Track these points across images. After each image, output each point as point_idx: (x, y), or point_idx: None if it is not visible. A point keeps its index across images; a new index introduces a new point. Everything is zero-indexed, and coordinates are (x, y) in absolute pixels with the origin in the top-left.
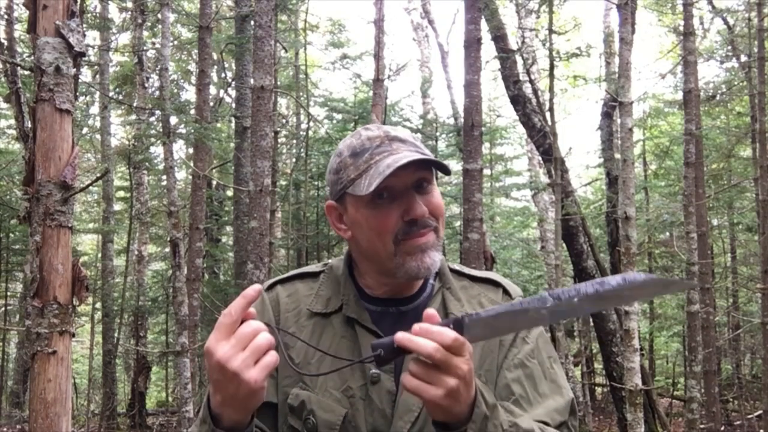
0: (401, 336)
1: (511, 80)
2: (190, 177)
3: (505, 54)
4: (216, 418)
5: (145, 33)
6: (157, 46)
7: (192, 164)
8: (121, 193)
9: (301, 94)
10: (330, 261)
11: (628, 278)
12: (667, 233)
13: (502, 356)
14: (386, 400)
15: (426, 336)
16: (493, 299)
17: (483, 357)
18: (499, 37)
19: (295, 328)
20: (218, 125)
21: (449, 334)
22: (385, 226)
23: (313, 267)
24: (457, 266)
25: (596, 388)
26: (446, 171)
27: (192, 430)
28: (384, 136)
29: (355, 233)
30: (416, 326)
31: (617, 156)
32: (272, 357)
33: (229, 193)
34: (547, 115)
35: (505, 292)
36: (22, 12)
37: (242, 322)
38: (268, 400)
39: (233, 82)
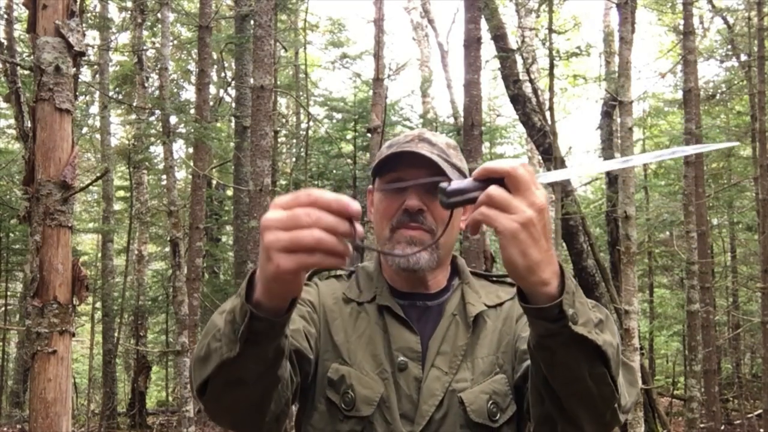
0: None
1: (510, 79)
2: (190, 176)
3: (504, 53)
4: (252, 291)
5: (145, 32)
6: (157, 45)
7: (192, 164)
8: (121, 193)
9: (300, 93)
10: (359, 264)
11: None
12: (667, 232)
13: (514, 329)
14: (413, 387)
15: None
16: (510, 292)
17: (500, 339)
18: (499, 37)
19: (336, 312)
20: (218, 125)
21: (522, 159)
22: (386, 211)
23: (342, 271)
24: (478, 270)
25: None
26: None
27: (233, 300)
28: (417, 135)
29: (373, 214)
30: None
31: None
32: (315, 259)
33: (229, 192)
34: (547, 114)
35: None
36: (22, 12)
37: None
38: (303, 351)
39: (233, 82)
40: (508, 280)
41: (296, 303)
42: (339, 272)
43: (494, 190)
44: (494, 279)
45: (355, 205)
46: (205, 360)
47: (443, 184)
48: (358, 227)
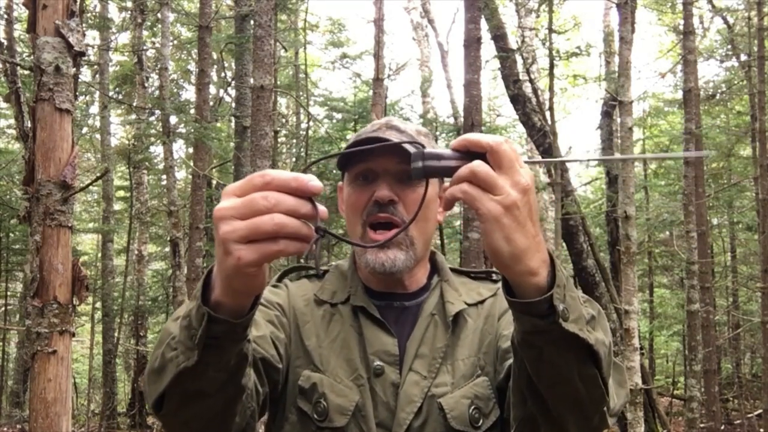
0: (456, 140)
1: (510, 79)
2: (190, 176)
3: (504, 53)
4: (209, 291)
5: (145, 32)
6: (157, 45)
7: (192, 164)
8: (121, 193)
9: (300, 93)
10: (333, 263)
11: None
12: (667, 232)
13: (496, 327)
14: (390, 393)
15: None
16: (493, 289)
17: (482, 339)
18: (499, 37)
19: (308, 314)
20: (218, 125)
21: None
22: (357, 204)
23: (314, 270)
24: (459, 268)
25: None
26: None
27: (188, 304)
28: (385, 123)
29: (344, 211)
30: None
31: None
32: (279, 246)
33: None
34: (547, 114)
35: None
36: (22, 12)
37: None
38: (270, 359)
39: (233, 82)
40: (492, 276)
41: (259, 301)
42: (311, 272)
43: (480, 166)
44: (475, 275)
45: (315, 183)
46: (160, 372)
47: (418, 147)
48: (321, 207)
